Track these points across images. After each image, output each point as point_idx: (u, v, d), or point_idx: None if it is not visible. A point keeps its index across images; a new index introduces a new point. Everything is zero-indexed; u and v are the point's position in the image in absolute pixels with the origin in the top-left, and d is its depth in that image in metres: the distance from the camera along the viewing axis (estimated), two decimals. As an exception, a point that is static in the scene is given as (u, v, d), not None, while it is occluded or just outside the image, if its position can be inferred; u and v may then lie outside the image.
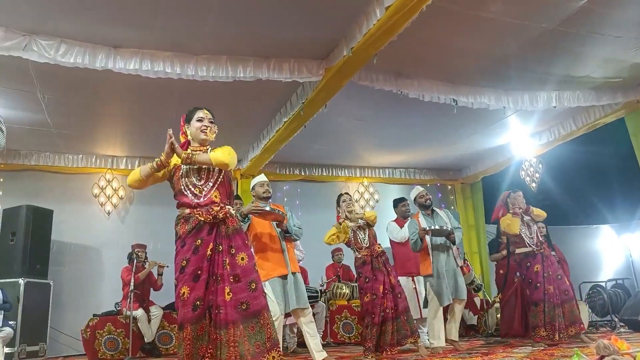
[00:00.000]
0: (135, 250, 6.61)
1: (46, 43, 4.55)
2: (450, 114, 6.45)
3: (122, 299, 6.51)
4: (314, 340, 4.36)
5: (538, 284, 5.30)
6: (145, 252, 6.81)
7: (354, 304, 7.21)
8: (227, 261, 2.90)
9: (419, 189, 5.81)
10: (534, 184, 8.90)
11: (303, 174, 9.16)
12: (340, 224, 4.95)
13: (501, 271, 6.79)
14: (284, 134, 6.69)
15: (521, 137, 8.23)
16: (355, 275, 7.98)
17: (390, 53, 4.94)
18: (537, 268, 5.34)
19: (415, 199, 5.76)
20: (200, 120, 3.20)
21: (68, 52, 4.62)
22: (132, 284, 5.93)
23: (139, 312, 6.20)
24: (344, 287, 7.35)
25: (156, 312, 6.45)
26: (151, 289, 6.72)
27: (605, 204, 10.81)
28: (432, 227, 5.26)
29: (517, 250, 5.53)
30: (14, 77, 5.35)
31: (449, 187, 10.51)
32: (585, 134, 7.68)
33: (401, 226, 6.07)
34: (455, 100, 6.11)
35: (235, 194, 8.01)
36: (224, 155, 3.06)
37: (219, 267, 2.90)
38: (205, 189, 3.09)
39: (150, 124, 6.92)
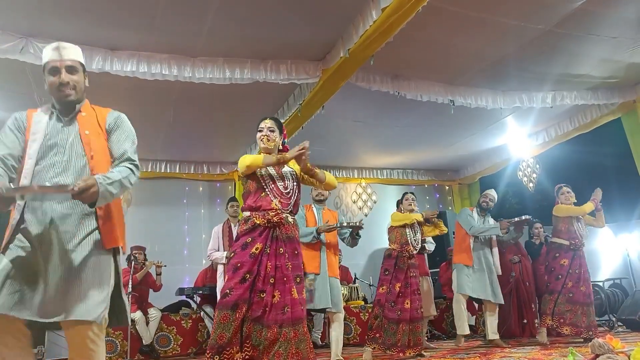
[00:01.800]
0: (133, 252, 6.61)
1: (43, 45, 4.52)
2: (448, 115, 6.46)
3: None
4: (337, 345, 4.58)
5: (560, 276, 5.41)
6: (144, 254, 6.81)
7: (352, 305, 7.22)
8: (279, 264, 3.05)
9: (492, 191, 6.11)
10: (531, 184, 8.92)
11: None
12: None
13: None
14: (282, 135, 6.69)
15: (518, 137, 8.25)
16: (352, 278, 8.04)
17: (387, 54, 4.95)
18: (564, 262, 5.44)
19: (482, 195, 6.09)
20: (260, 130, 3.40)
21: (65, 54, 4.62)
22: (129, 285, 5.93)
23: (137, 315, 6.20)
24: (342, 289, 7.35)
25: (154, 314, 6.44)
26: (150, 290, 6.72)
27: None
28: (517, 220, 5.75)
29: (553, 239, 5.63)
30: (11, 79, 5.35)
31: (447, 187, 10.53)
32: (582, 134, 7.71)
33: None
34: (453, 101, 6.13)
35: (232, 195, 8.02)
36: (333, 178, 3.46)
37: (271, 269, 3.03)
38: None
39: (148, 126, 6.91)
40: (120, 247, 2.17)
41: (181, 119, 6.69)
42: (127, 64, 4.89)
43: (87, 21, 4.51)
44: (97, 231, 2.07)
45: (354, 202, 9.70)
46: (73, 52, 2.26)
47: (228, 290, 2.94)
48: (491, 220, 5.90)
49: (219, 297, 3.03)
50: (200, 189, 8.72)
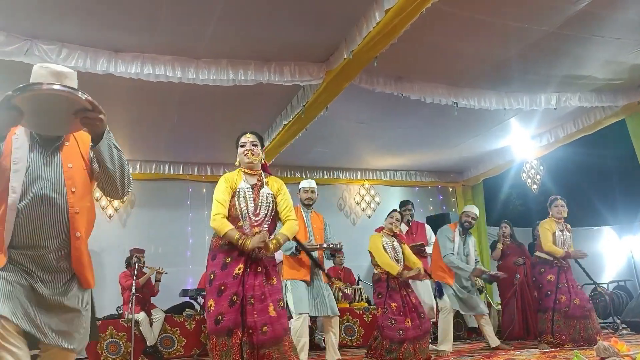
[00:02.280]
0: (136, 255, 6.65)
1: (47, 47, 4.56)
2: (451, 117, 6.45)
3: (123, 303, 6.53)
4: (334, 346, 4.66)
5: (549, 292, 5.34)
6: (143, 257, 6.85)
7: (355, 307, 7.21)
8: (257, 283, 3.01)
9: (473, 208, 6.06)
10: (535, 186, 8.89)
11: (304, 177, 9.15)
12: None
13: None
14: (285, 137, 6.70)
15: (522, 139, 8.24)
16: (356, 280, 8.03)
17: (391, 56, 4.94)
18: (550, 277, 5.38)
19: (463, 213, 5.99)
20: (242, 145, 3.33)
21: (69, 56, 4.64)
22: (133, 287, 5.95)
23: (141, 316, 6.21)
24: (346, 290, 7.34)
25: (158, 315, 6.45)
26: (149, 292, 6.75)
27: (606, 206, 10.82)
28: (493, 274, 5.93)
29: (537, 254, 5.61)
30: (15, 81, 5.37)
31: (450, 189, 10.51)
32: (586, 136, 7.68)
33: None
34: (456, 103, 6.12)
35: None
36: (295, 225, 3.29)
37: (249, 289, 2.98)
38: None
39: (152, 128, 6.94)
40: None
41: (184, 121, 6.70)
42: (131, 65, 4.90)
43: (91, 23, 4.52)
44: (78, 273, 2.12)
45: (357, 203, 9.69)
46: (70, 81, 2.15)
47: (220, 317, 2.87)
48: (471, 241, 5.88)
49: (209, 320, 2.95)
50: (204, 190, 8.72)
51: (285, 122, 6.40)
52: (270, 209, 3.24)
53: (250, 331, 2.88)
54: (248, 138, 3.32)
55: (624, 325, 6.91)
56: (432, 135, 7.92)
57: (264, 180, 3.33)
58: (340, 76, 5.24)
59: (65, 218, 2.05)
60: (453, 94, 6.07)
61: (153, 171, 8.28)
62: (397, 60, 5.29)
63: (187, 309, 6.87)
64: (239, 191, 3.20)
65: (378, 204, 9.75)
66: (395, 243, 5.09)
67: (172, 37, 4.82)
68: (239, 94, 5.74)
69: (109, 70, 4.82)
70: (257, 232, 3.09)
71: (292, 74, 5.34)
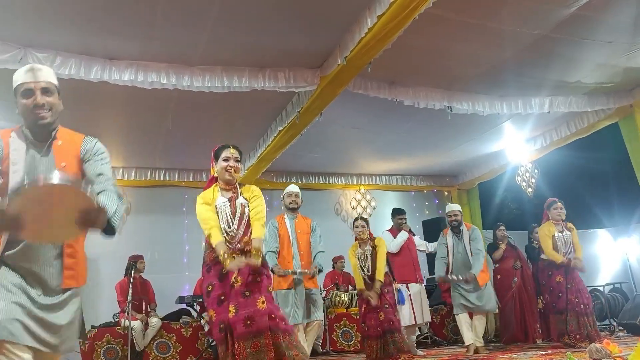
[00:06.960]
0: (139, 261, 6.65)
1: (42, 55, 4.57)
2: (446, 121, 6.48)
3: (119, 311, 6.51)
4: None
5: (560, 294, 5.38)
6: (143, 262, 6.84)
7: (352, 312, 7.20)
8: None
9: (452, 206, 6.09)
10: (529, 189, 8.92)
11: (300, 182, 9.16)
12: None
13: (499, 276, 6.79)
14: (280, 142, 6.71)
15: (516, 142, 8.28)
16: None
17: (385, 61, 4.97)
18: (559, 279, 5.42)
19: (446, 215, 6.03)
20: (226, 159, 3.17)
21: (64, 64, 4.65)
22: (129, 295, 5.94)
23: (136, 323, 6.19)
24: (342, 295, 7.33)
25: (155, 322, 6.43)
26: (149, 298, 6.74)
27: (601, 209, 10.84)
28: (453, 277, 5.62)
29: (543, 256, 5.66)
30: (11, 89, 5.36)
31: (446, 193, 10.53)
32: (580, 139, 7.73)
33: (394, 236, 6.12)
34: (450, 107, 6.15)
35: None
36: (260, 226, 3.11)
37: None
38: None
39: (147, 135, 6.94)
40: None
41: (180, 127, 6.71)
42: (126, 73, 4.92)
43: (85, 31, 4.54)
44: (71, 271, 2.04)
45: (354, 208, 9.70)
46: (47, 74, 2.16)
47: (222, 325, 2.92)
48: (465, 235, 5.83)
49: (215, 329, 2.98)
50: (200, 196, 8.72)
51: (280, 128, 6.42)
52: (247, 216, 3.13)
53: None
54: (232, 153, 3.16)
55: (620, 327, 6.93)
56: (427, 139, 7.95)
57: (239, 190, 3.23)
58: (335, 82, 5.27)
59: None
60: (447, 99, 6.11)
61: (148, 178, 8.28)
62: (391, 65, 5.32)
63: (183, 316, 6.84)
64: (217, 208, 3.12)
65: (374, 208, 9.76)
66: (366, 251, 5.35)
67: (167, 44, 4.84)
68: (234, 100, 5.75)
69: (103, 77, 4.83)
70: (240, 243, 3.06)
71: (287, 80, 5.37)
